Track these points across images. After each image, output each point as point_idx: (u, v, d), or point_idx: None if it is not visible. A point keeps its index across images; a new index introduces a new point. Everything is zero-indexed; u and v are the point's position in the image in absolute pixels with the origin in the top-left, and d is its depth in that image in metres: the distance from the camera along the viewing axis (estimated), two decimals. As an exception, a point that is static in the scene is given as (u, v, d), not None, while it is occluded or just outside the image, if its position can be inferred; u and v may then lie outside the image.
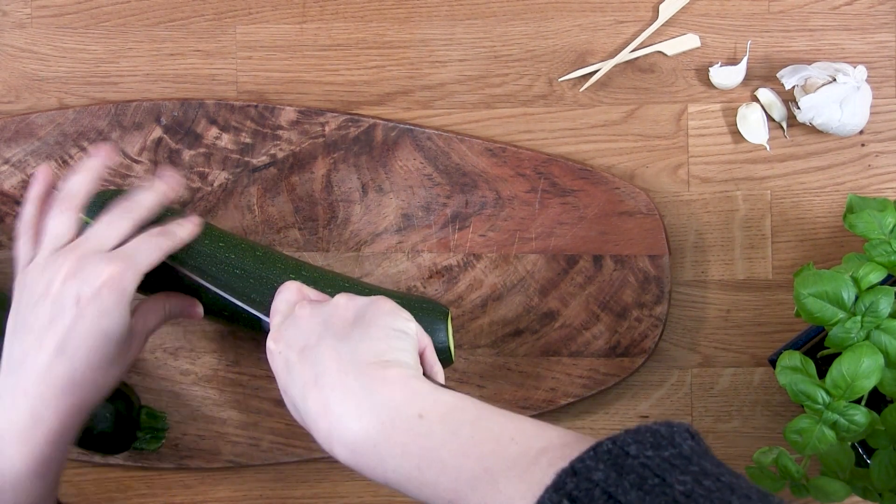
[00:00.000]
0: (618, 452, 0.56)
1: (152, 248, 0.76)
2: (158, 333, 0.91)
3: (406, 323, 0.69)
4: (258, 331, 0.82)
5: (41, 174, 0.79)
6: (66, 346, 0.72)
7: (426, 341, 0.72)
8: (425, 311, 0.85)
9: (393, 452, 0.62)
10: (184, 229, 0.79)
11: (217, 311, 0.83)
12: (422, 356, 0.72)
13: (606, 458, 0.56)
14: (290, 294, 0.74)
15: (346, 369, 0.65)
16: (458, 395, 0.65)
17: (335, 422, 0.64)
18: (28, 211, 0.78)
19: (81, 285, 0.72)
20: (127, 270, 0.74)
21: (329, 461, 0.92)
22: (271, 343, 0.70)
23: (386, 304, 0.70)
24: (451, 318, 0.88)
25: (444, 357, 0.85)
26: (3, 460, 0.70)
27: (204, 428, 0.91)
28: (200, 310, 0.82)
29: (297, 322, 0.70)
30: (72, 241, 0.76)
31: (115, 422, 0.86)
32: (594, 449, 0.56)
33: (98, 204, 0.81)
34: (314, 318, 0.70)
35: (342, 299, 0.70)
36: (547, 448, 0.59)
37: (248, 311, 0.81)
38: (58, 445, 0.72)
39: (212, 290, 0.81)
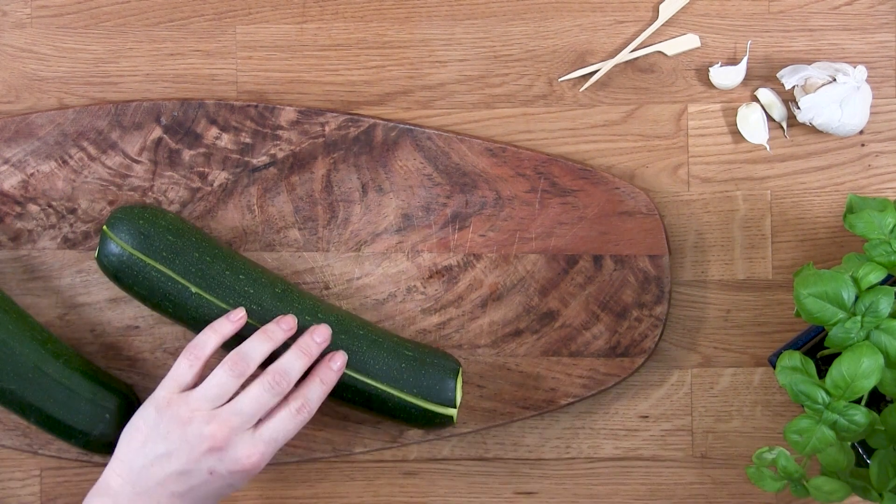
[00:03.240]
0: None
1: (293, 428, 0.81)
2: (159, 333, 0.91)
3: None
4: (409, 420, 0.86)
5: (241, 317, 0.83)
6: (187, 496, 0.80)
7: None
8: (435, 366, 0.85)
9: None
10: (321, 390, 0.82)
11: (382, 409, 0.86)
12: None
13: None
14: None
15: None
16: None
17: None
18: (210, 341, 0.82)
19: (220, 463, 0.79)
20: (266, 454, 0.80)
21: (329, 461, 0.92)
22: None
23: None
24: (462, 374, 0.88)
25: (446, 419, 0.85)
26: None
27: (204, 428, 0.91)
28: None
29: None
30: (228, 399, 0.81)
31: (115, 422, 0.86)
32: None
33: (121, 220, 0.84)
34: None
35: None
36: None
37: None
38: None
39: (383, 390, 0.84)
